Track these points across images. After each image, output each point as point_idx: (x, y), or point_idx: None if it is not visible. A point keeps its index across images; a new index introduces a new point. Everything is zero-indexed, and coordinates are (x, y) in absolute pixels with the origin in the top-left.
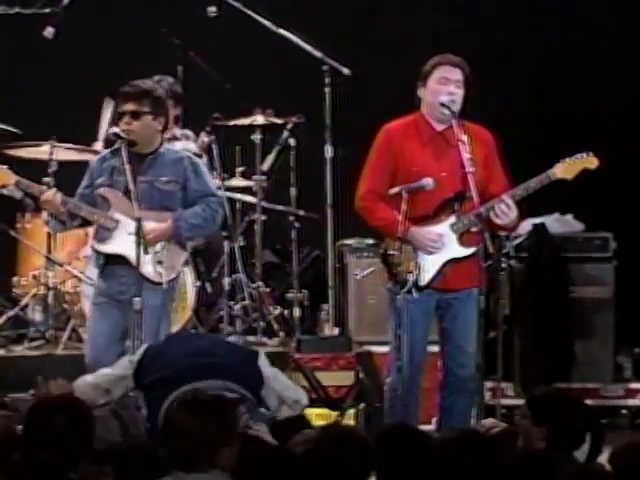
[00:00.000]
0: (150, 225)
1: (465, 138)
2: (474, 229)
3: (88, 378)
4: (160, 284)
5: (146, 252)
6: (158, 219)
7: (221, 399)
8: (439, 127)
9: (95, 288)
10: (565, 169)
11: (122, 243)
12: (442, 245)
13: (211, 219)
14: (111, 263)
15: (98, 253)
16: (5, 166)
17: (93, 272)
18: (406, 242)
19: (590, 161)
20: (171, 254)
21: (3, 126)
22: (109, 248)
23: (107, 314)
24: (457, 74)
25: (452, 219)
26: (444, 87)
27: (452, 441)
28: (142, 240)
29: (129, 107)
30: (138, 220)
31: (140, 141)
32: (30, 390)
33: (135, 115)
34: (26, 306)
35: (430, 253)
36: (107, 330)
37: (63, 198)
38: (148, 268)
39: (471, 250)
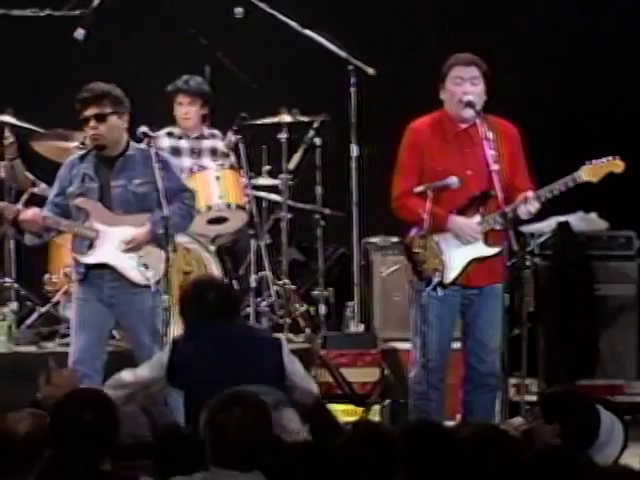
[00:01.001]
0: (129, 231)
1: (491, 135)
2: (497, 227)
3: (124, 377)
4: (149, 287)
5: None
6: (136, 223)
7: (263, 401)
8: (463, 125)
9: (82, 287)
10: (591, 172)
11: (105, 252)
12: (478, 239)
13: (188, 215)
14: (95, 269)
15: (79, 263)
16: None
17: None
18: (433, 239)
19: (616, 165)
20: (154, 256)
21: (32, 126)
22: (93, 259)
23: (97, 311)
24: (471, 71)
25: (477, 218)
26: (459, 87)
27: (471, 437)
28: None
29: (92, 111)
30: (153, 223)
31: (109, 144)
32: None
33: (100, 118)
34: (57, 303)
35: (469, 243)
36: (97, 326)
37: (43, 215)
38: (134, 273)
39: (496, 250)
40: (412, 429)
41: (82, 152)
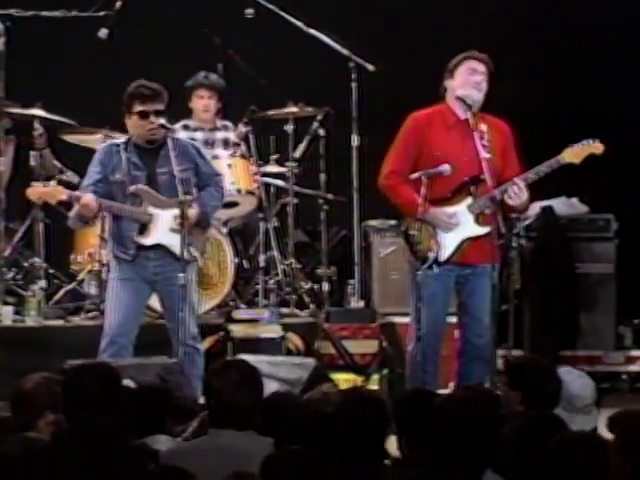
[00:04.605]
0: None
1: (484, 127)
2: (487, 211)
3: None
4: (193, 261)
5: (190, 233)
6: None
7: (255, 367)
8: (463, 115)
9: (123, 267)
10: (573, 154)
11: (160, 234)
12: (458, 222)
13: (222, 197)
14: (143, 250)
15: (128, 246)
16: (54, 182)
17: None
18: (426, 222)
19: (596, 147)
20: (197, 236)
21: (60, 118)
22: (150, 240)
23: (138, 289)
24: (484, 69)
25: (469, 200)
26: (472, 77)
27: (455, 401)
28: (185, 222)
29: (154, 107)
30: (182, 203)
31: (160, 138)
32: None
33: (159, 114)
34: (82, 281)
35: (449, 230)
36: (137, 303)
37: (101, 202)
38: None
39: (487, 229)
40: (402, 396)
41: (117, 141)
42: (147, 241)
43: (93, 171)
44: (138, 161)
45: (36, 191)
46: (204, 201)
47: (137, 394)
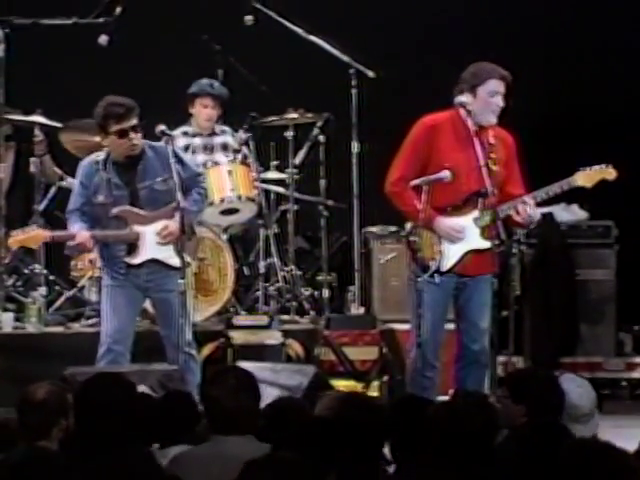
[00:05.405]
0: (162, 224)
1: (492, 139)
2: (488, 219)
3: None
4: (186, 266)
5: (189, 239)
6: (167, 216)
7: (250, 372)
8: (474, 128)
9: (117, 276)
10: (585, 178)
11: (149, 250)
12: (464, 236)
13: (205, 198)
14: (135, 267)
15: (119, 265)
16: (34, 226)
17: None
18: (429, 230)
19: (609, 172)
20: (186, 244)
21: (60, 124)
22: (140, 259)
23: (132, 296)
24: (504, 88)
25: (475, 213)
26: (493, 100)
27: (447, 408)
28: (188, 229)
29: (132, 122)
30: (181, 210)
31: (139, 151)
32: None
33: (136, 129)
34: (83, 287)
35: (453, 242)
36: (132, 310)
37: (92, 234)
38: (174, 260)
39: (490, 244)
40: (395, 403)
41: (97, 159)
42: (135, 260)
43: (76, 194)
44: (118, 181)
45: (17, 240)
46: (186, 210)
47: (164, 403)
